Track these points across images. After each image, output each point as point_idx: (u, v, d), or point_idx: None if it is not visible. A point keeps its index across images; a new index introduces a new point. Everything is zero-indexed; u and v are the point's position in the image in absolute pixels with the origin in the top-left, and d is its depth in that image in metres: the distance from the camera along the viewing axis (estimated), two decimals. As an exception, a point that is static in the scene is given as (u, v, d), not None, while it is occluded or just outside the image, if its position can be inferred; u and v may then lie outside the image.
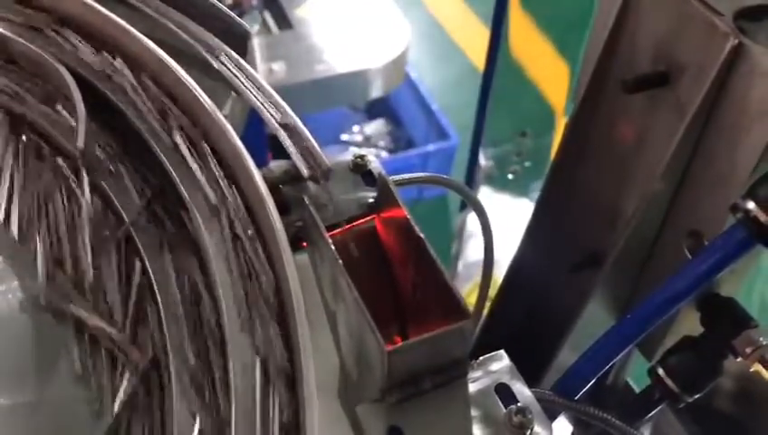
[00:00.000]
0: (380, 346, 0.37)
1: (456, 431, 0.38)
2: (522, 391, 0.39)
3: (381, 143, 2.40)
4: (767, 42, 0.33)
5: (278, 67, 1.91)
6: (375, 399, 0.39)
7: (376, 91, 2.13)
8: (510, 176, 1.20)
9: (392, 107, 2.43)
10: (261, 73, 1.81)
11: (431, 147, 2.19)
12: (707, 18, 0.33)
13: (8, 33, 0.55)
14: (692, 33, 0.34)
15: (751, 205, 0.33)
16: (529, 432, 0.38)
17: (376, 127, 2.43)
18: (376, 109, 2.40)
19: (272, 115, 0.49)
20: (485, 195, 1.27)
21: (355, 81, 1.98)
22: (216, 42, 0.53)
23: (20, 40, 0.55)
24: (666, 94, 0.36)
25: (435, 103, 2.26)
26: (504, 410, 0.39)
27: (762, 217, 0.32)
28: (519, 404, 0.39)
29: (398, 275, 0.47)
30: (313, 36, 2.11)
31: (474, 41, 2.54)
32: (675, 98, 0.36)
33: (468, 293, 1.13)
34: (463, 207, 1.29)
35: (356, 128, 2.42)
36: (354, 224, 0.48)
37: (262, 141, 1.22)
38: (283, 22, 2.10)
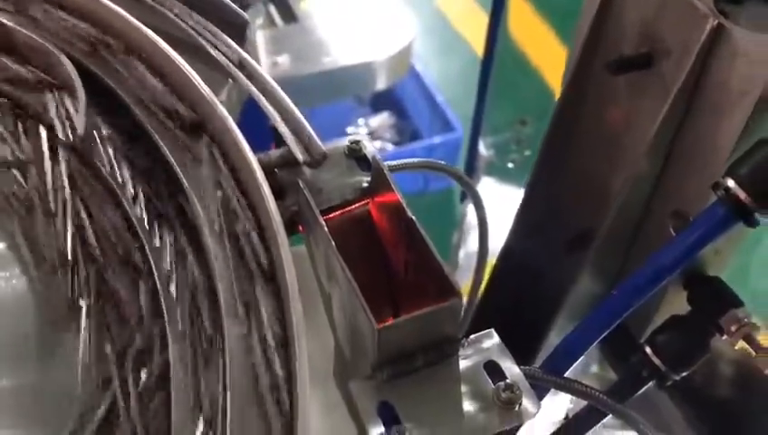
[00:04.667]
0: (371, 323, 0.38)
1: (447, 407, 0.39)
2: (511, 368, 0.40)
3: (387, 135, 2.41)
4: (748, 24, 0.34)
5: (283, 60, 1.92)
6: (367, 376, 0.40)
7: (381, 84, 2.14)
8: (510, 164, 1.20)
9: (397, 99, 2.44)
10: (265, 66, 1.82)
11: (436, 139, 2.19)
12: (688, 0, 0.34)
13: (5, 21, 0.56)
14: (673, 15, 0.35)
15: (731, 183, 0.33)
16: (517, 407, 0.39)
17: (381, 119, 2.43)
18: (381, 101, 2.40)
19: (268, 102, 0.50)
20: (488, 186, 1.27)
21: (360, 73, 1.99)
22: (213, 30, 0.54)
23: (23, 30, 0.56)
24: (650, 76, 0.37)
25: (440, 95, 2.26)
26: (493, 387, 0.40)
27: (741, 194, 0.33)
28: (507, 381, 0.40)
29: (391, 257, 0.48)
30: (318, 29, 2.12)
31: (479, 32, 2.55)
32: (658, 79, 0.37)
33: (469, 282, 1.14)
34: (463, 197, 1.30)
35: (361, 120, 2.42)
36: (348, 208, 0.48)
37: (265, 132, 1.24)
38: (288, 15, 2.11)
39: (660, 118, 0.36)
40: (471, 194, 0.56)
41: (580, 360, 0.42)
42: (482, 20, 2.08)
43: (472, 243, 1.28)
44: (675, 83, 0.35)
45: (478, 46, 2.75)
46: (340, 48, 2.06)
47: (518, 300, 0.48)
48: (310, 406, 0.37)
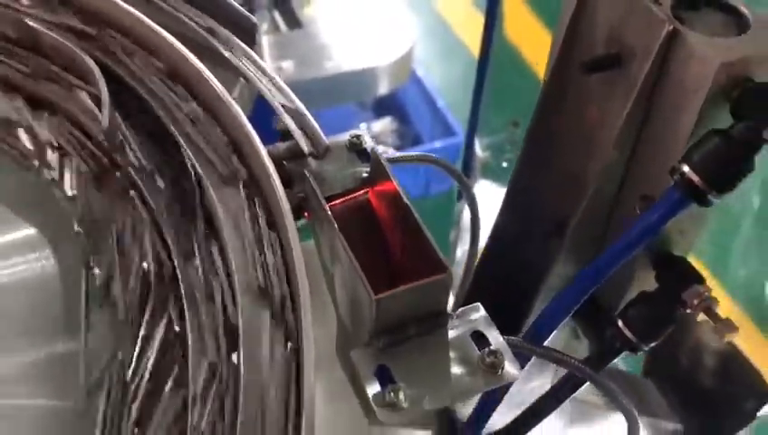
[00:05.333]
0: (370, 294, 0.42)
1: (437, 370, 0.44)
2: (495, 337, 0.45)
3: (389, 140, 2.45)
4: (703, 29, 0.39)
5: (287, 65, 1.96)
6: (366, 344, 0.45)
7: (383, 89, 2.19)
8: (504, 164, 1.24)
9: (399, 104, 2.48)
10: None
11: (437, 143, 2.23)
12: (647, 7, 0.38)
13: (39, 27, 0.61)
14: (636, 20, 0.39)
15: (685, 168, 0.38)
16: (500, 371, 0.44)
17: (383, 124, 2.47)
18: (383, 106, 2.45)
19: (276, 99, 0.55)
20: (484, 187, 1.31)
21: (362, 78, 2.04)
22: (226, 33, 0.58)
23: (51, 33, 0.61)
24: (619, 75, 0.42)
25: (441, 100, 2.30)
26: (479, 353, 0.44)
27: (694, 178, 0.37)
28: (491, 347, 0.44)
29: (388, 241, 0.52)
30: (322, 35, 2.17)
31: (479, 37, 2.60)
32: (626, 78, 0.41)
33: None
34: (460, 196, 1.34)
35: (363, 125, 2.46)
36: (350, 196, 0.53)
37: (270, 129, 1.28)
38: (292, 21, 2.15)
39: (626, 112, 0.41)
40: (460, 183, 0.60)
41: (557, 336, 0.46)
42: (481, 25, 2.13)
43: (468, 241, 1.33)
44: (638, 81, 0.40)
45: (478, 51, 2.80)
46: (342, 53, 2.11)
47: (504, 280, 0.52)
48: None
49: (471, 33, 2.90)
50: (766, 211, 0.88)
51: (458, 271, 0.66)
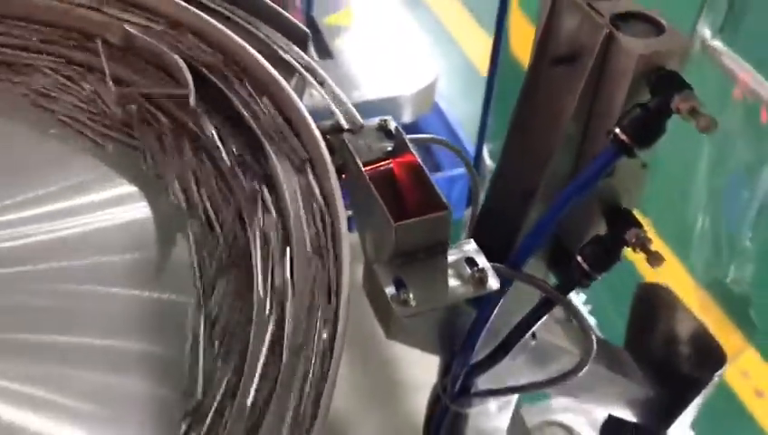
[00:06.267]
0: (391, 222, 0.58)
1: (438, 282, 0.59)
2: (482, 261, 0.60)
3: (411, 167, 2.60)
4: (630, 32, 0.55)
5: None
6: (385, 263, 0.60)
7: (406, 117, 2.35)
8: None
9: (421, 133, 2.63)
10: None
11: (456, 171, 2.39)
12: (593, 17, 0.55)
13: (134, 31, 0.78)
14: (586, 26, 0.55)
15: (617, 130, 0.53)
16: (485, 284, 0.59)
17: (405, 151, 2.63)
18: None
19: (323, 88, 0.71)
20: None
21: (386, 106, 2.19)
22: (285, 41, 0.75)
23: (144, 36, 0.78)
24: (576, 66, 0.58)
25: (462, 131, 2.45)
26: (470, 271, 0.60)
27: (623, 137, 0.53)
28: (479, 267, 0.60)
29: (405, 199, 0.68)
30: (351, 65, 2.35)
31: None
32: (580, 68, 0.57)
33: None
34: (469, 203, 1.49)
35: (387, 150, 2.62)
36: (378, 164, 0.69)
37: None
38: (324, 51, 2.33)
39: (578, 94, 0.57)
40: (465, 164, 0.77)
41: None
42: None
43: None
44: (587, 71, 0.56)
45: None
46: (369, 83, 2.28)
47: (493, 233, 0.68)
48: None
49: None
50: (719, 199, 1.02)
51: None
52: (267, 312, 0.56)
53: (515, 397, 0.88)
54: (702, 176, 1.00)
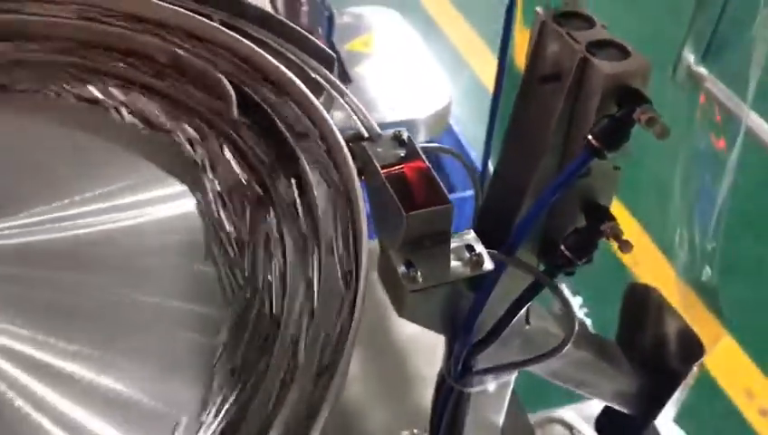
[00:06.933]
0: (402, 212, 0.69)
1: (442, 263, 0.71)
2: (480, 247, 0.72)
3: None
4: (602, 56, 0.67)
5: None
6: (397, 250, 0.72)
7: (422, 137, 2.48)
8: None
9: (435, 155, 2.75)
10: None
11: (468, 192, 2.49)
12: (571, 43, 0.66)
13: (180, 52, 0.90)
14: (566, 51, 0.67)
15: (590, 136, 0.65)
16: (482, 265, 0.70)
17: (420, 172, 2.74)
18: (421, 156, 2.72)
19: (347, 103, 0.83)
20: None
21: (403, 127, 2.31)
22: (314, 63, 0.88)
23: (190, 56, 0.90)
24: (558, 84, 0.69)
25: (472, 150, 2.57)
26: (468, 255, 0.71)
27: (594, 142, 0.64)
28: (476, 251, 0.71)
29: (414, 198, 0.80)
30: (370, 90, 2.48)
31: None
32: (562, 86, 0.69)
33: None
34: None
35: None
36: (392, 168, 0.81)
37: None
38: (344, 77, 2.47)
39: (561, 107, 0.68)
40: (468, 170, 0.88)
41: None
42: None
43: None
44: (566, 88, 0.67)
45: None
46: (386, 106, 2.41)
47: (492, 222, 0.79)
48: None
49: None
50: (692, 210, 1.13)
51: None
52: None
53: (512, 381, 0.99)
54: (677, 191, 1.12)
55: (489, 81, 3.31)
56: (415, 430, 1.17)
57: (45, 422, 0.58)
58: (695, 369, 1.05)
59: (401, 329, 1.32)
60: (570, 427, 1.44)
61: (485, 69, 3.48)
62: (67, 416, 0.58)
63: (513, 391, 1.07)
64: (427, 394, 1.05)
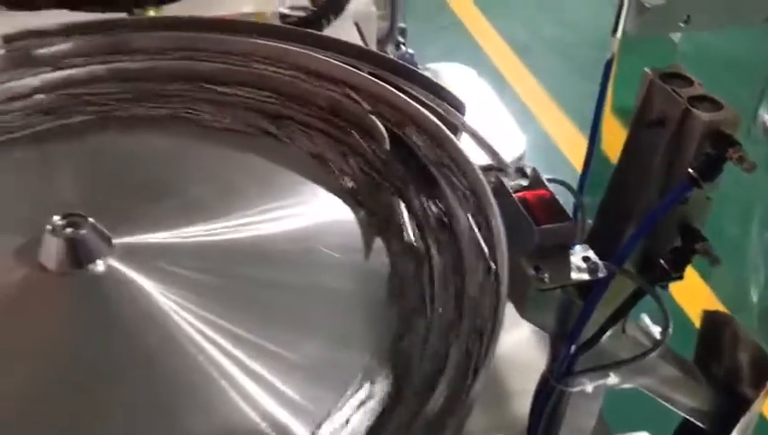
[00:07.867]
0: (533, 226, 0.87)
1: (563, 267, 0.88)
2: (594, 257, 0.88)
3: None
4: (700, 108, 0.84)
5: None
6: (527, 259, 0.89)
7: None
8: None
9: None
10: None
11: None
12: (675, 97, 0.84)
13: (336, 96, 1.10)
14: (671, 103, 0.85)
15: (690, 169, 0.82)
16: (596, 272, 0.87)
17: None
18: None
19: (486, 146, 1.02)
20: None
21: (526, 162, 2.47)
22: (450, 108, 1.07)
23: (345, 101, 1.10)
24: (663, 128, 0.87)
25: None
26: (585, 263, 0.88)
27: (694, 174, 0.81)
28: (592, 260, 0.88)
29: (539, 218, 0.97)
30: (451, 139, 2.64)
31: (579, 155, 3.07)
32: (667, 130, 0.86)
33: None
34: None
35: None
36: (521, 193, 0.98)
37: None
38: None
39: (663, 147, 0.86)
40: (575, 198, 1.06)
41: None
42: (582, 143, 2.61)
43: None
44: (671, 131, 0.85)
45: (578, 166, 3.25)
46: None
47: (602, 242, 0.96)
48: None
49: (572, 150, 3.39)
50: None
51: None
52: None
53: (604, 386, 1.14)
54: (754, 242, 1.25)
55: (556, 134, 3.49)
56: (510, 435, 1.32)
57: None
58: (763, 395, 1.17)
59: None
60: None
61: (552, 123, 3.66)
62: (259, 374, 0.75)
63: (601, 412, 1.20)
64: (520, 406, 1.21)
